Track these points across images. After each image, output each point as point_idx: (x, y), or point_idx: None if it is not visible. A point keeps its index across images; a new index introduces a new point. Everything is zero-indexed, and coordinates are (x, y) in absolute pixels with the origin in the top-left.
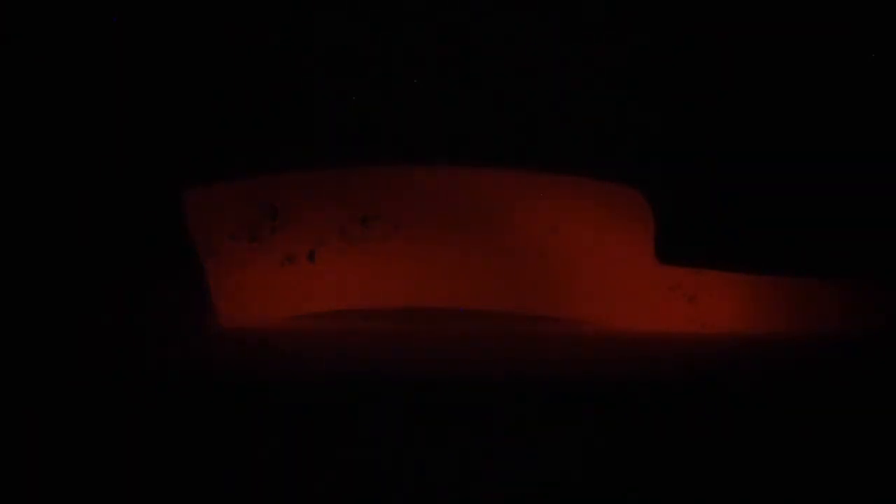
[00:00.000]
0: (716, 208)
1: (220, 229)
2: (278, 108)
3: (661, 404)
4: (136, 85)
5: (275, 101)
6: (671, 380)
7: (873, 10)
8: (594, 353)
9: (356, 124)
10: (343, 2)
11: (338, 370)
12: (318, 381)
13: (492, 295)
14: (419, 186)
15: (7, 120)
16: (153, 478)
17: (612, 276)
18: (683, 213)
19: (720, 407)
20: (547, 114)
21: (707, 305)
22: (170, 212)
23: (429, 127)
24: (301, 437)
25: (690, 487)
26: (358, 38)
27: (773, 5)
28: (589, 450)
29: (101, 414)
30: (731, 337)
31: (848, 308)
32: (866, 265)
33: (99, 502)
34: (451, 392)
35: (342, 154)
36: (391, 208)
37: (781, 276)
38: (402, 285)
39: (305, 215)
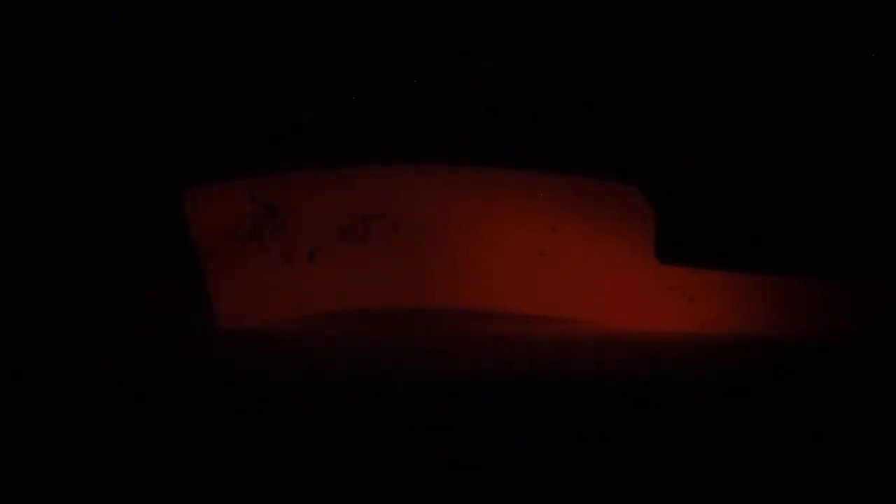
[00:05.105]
0: (716, 208)
1: (220, 229)
2: (278, 107)
3: (661, 404)
4: (136, 85)
5: (275, 100)
6: (671, 380)
7: (873, 10)
8: (593, 353)
9: (356, 124)
10: (343, 1)
11: (338, 370)
12: (317, 381)
13: (491, 295)
14: (419, 186)
15: (6, 120)
16: (152, 478)
17: (611, 276)
18: (683, 213)
19: (720, 407)
20: (546, 113)
21: (707, 305)
22: (170, 212)
23: (428, 127)
24: (301, 438)
25: (690, 488)
26: (357, 38)
27: (774, 5)
28: (589, 450)
29: (99, 414)
30: (731, 337)
31: (848, 308)
32: (866, 265)
33: (98, 502)
34: (451, 392)
35: (342, 154)
36: (391, 208)
37: (782, 277)
38: (402, 285)
39: (305, 215)
